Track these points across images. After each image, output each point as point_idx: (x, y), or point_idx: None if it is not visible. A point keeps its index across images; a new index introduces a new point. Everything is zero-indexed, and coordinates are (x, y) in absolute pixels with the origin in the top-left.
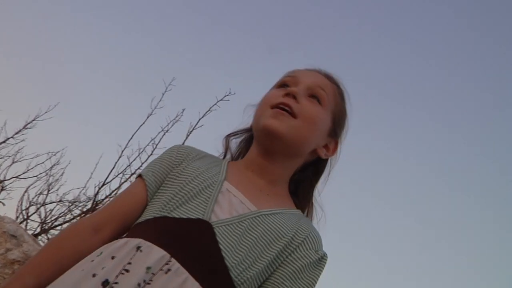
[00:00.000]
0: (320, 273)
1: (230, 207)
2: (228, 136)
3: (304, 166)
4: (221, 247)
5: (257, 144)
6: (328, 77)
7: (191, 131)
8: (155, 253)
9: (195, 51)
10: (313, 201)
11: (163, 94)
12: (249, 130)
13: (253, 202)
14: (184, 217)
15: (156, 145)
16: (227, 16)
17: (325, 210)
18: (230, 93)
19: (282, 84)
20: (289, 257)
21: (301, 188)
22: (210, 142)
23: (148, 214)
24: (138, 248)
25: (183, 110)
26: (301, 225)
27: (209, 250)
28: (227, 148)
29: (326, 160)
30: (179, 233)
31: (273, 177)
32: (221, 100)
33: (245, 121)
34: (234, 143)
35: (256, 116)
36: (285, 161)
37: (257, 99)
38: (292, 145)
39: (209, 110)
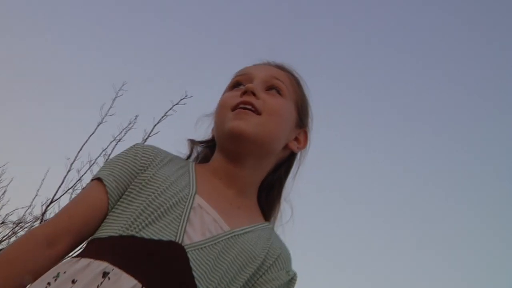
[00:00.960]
0: None
1: (202, 226)
2: (192, 140)
3: (277, 165)
4: (194, 274)
5: (222, 151)
6: (280, 67)
7: (146, 138)
8: (125, 282)
9: (147, 53)
10: (281, 200)
11: (113, 100)
12: (210, 141)
13: (225, 219)
14: (155, 238)
15: (108, 156)
16: (180, 13)
17: (294, 210)
18: (186, 96)
19: (235, 84)
20: (261, 279)
21: (273, 191)
22: (167, 149)
23: (111, 230)
24: (105, 274)
25: (136, 116)
26: (272, 244)
27: (182, 278)
28: (192, 149)
29: (295, 154)
30: (150, 258)
31: (243, 185)
32: (177, 104)
33: (200, 132)
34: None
35: (218, 123)
36: (256, 164)
37: (215, 104)
38: (263, 144)
39: (164, 115)
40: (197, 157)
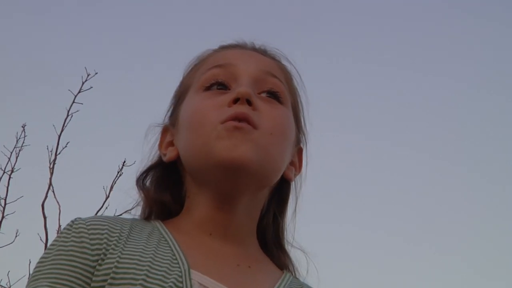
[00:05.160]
0: None
1: None
2: (141, 181)
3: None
4: None
5: (205, 189)
6: (269, 55)
7: (54, 160)
8: None
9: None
10: (285, 244)
11: None
12: (158, 164)
13: None
14: None
15: None
16: None
17: (308, 252)
18: (89, 75)
19: (212, 83)
20: None
21: (268, 232)
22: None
23: None
24: None
25: (24, 126)
26: None
27: None
28: (148, 198)
29: (289, 183)
30: None
31: (241, 234)
32: (79, 92)
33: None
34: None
35: (195, 145)
36: (251, 203)
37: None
38: (266, 175)
39: (68, 116)
40: (153, 211)
